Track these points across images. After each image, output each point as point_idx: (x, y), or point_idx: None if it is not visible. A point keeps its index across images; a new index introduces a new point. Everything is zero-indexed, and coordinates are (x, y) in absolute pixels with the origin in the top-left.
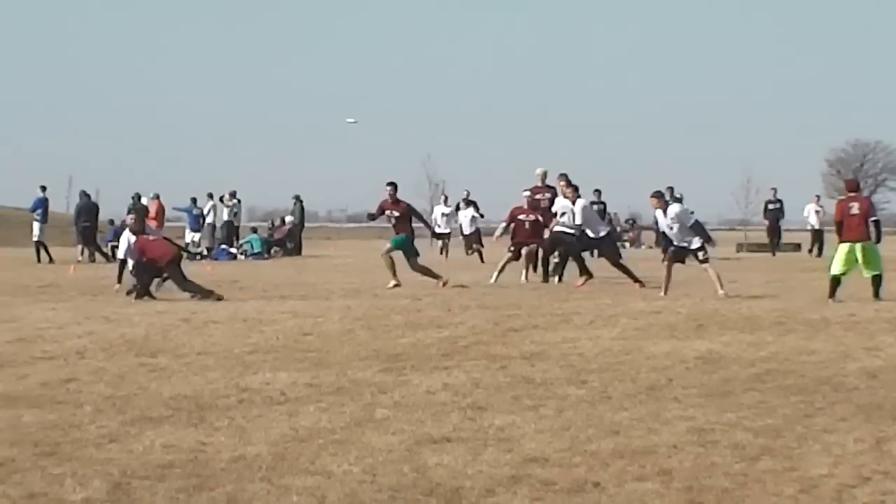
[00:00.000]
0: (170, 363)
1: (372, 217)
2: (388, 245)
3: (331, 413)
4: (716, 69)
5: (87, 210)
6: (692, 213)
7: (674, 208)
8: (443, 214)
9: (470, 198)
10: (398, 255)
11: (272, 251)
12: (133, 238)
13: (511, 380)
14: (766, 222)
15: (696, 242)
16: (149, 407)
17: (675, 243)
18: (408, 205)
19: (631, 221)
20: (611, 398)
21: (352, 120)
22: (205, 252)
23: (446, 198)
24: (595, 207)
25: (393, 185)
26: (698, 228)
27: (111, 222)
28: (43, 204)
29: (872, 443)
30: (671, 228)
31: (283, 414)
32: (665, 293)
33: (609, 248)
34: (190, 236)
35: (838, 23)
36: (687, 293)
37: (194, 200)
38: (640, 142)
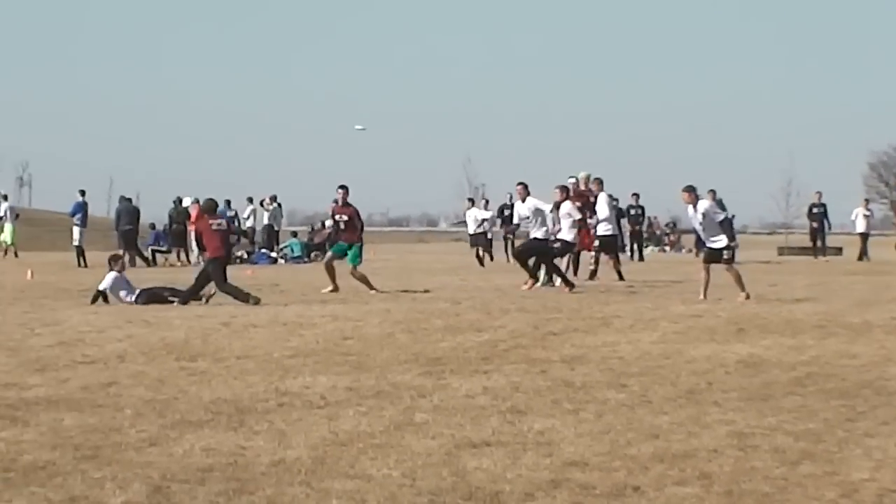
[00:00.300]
0: (210, 367)
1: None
2: (330, 254)
3: (370, 417)
4: (758, 71)
5: (128, 214)
6: (726, 212)
7: (703, 204)
8: (476, 218)
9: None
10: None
11: (312, 255)
12: None
13: (551, 383)
14: (811, 225)
15: (721, 241)
16: (189, 410)
17: (707, 244)
18: (355, 210)
19: (671, 225)
20: (651, 402)
21: (360, 127)
22: (245, 256)
23: (487, 201)
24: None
25: (344, 188)
26: (727, 227)
27: (152, 226)
28: (82, 208)
29: None
30: (700, 225)
31: (322, 418)
32: (704, 297)
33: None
34: None
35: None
36: (727, 297)
37: (228, 203)
38: (679, 144)
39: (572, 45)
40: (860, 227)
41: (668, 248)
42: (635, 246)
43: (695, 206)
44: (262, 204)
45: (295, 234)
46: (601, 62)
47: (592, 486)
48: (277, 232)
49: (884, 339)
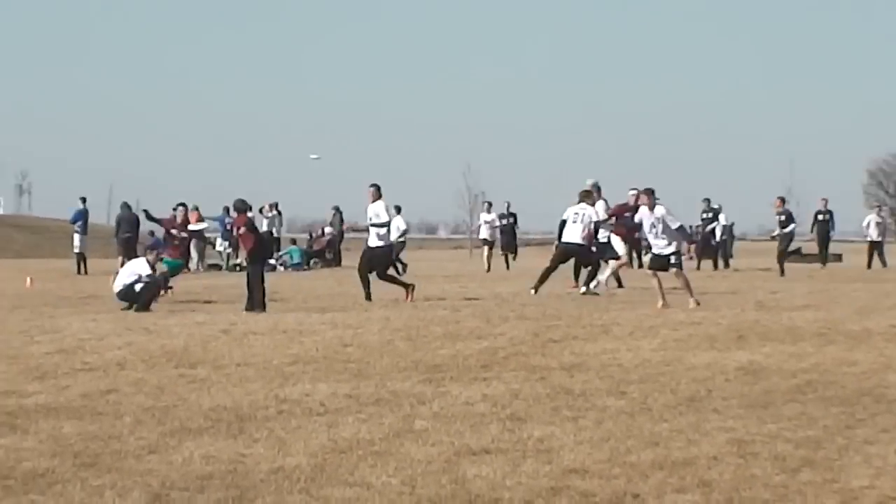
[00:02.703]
0: (209, 374)
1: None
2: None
3: (370, 424)
4: (757, 78)
5: (128, 221)
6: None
7: (660, 209)
8: (485, 222)
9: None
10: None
11: (312, 262)
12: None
13: (550, 391)
14: (817, 232)
15: (671, 247)
16: (188, 418)
17: (654, 251)
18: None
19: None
20: (651, 409)
21: (315, 156)
22: (244, 263)
23: (489, 204)
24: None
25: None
26: (682, 233)
27: (151, 234)
28: (83, 216)
29: None
30: (653, 230)
31: (322, 425)
32: (664, 303)
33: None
34: (221, 245)
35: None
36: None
37: (227, 210)
38: (679, 151)
39: (574, 50)
40: (873, 234)
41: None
42: (634, 253)
43: (651, 210)
44: (261, 211)
45: (294, 242)
46: (601, 68)
47: (592, 493)
48: (277, 239)
49: (883, 346)
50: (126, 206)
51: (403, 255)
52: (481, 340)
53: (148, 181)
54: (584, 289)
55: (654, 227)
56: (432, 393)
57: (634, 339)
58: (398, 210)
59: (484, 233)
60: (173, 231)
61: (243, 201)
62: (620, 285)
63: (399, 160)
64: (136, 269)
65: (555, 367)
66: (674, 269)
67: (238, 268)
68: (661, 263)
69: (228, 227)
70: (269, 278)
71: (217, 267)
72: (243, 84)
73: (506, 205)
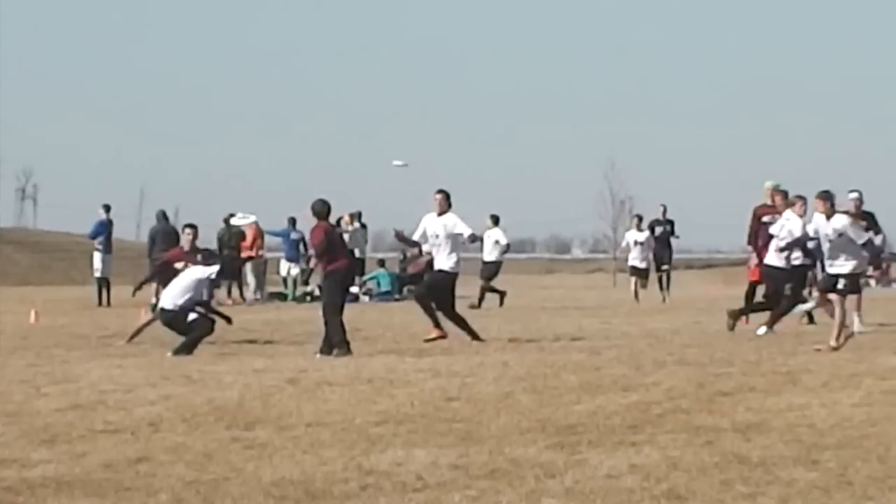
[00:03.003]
0: (271, 438)
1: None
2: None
3: (483, 503)
4: None
5: (166, 236)
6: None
7: (841, 219)
8: (636, 242)
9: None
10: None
11: (405, 290)
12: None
13: (720, 459)
14: None
15: (848, 266)
16: (244, 495)
17: (828, 269)
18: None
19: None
20: (852, 484)
21: (400, 163)
22: (317, 292)
23: (640, 218)
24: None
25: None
26: (871, 248)
27: None
28: (105, 229)
29: None
30: (829, 244)
31: None
32: (840, 340)
33: None
34: (286, 268)
35: None
36: None
37: (293, 221)
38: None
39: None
40: None
41: (873, 280)
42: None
43: (828, 219)
44: (338, 223)
45: (383, 263)
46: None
47: None
48: (361, 261)
49: None
50: (163, 216)
51: (499, 280)
52: (629, 393)
53: (186, 185)
54: (763, 329)
55: (832, 241)
56: (564, 462)
57: (830, 392)
58: (495, 221)
59: (635, 258)
60: (178, 265)
61: (324, 202)
62: (811, 321)
63: (518, 157)
64: (199, 276)
65: (725, 427)
66: (843, 294)
67: (310, 297)
68: (832, 284)
69: (297, 242)
70: (351, 311)
71: (281, 297)
72: (325, 63)
73: (661, 209)
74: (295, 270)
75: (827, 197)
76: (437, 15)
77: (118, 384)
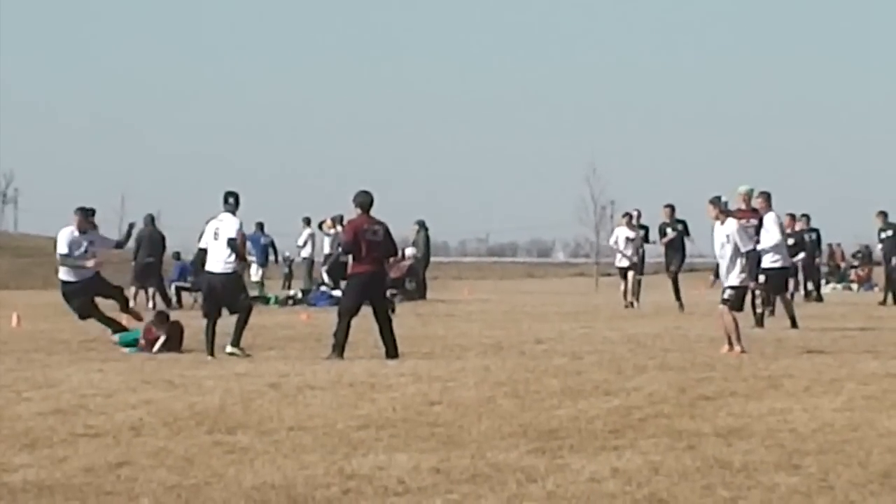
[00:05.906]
0: (253, 442)
1: None
2: None
3: None
4: None
5: (152, 241)
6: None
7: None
8: (628, 239)
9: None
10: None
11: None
12: None
13: (701, 464)
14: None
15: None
16: (226, 500)
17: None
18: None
19: (860, 254)
20: (833, 488)
21: None
22: (299, 295)
23: (631, 216)
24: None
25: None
26: (752, 258)
27: (177, 256)
28: None
29: None
30: (722, 248)
31: None
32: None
33: None
34: (257, 273)
35: None
36: None
37: (261, 226)
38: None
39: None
40: None
41: (854, 284)
42: (810, 283)
43: (722, 223)
44: (321, 227)
45: None
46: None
47: None
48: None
49: None
50: (151, 220)
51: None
52: (611, 398)
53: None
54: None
55: (723, 246)
56: (546, 467)
57: (811, 396)
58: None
59: (622, 257)
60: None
61: (366, 193)
62: (794, 325)
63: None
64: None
65: (707, 432)
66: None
67: (292, 301)
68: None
69: (266, 247)
70: (333, 314)
71: (264, 300)
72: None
73: (668, 211)
74: (259, 274)
75: (717, 202)
76: (418, 22)
77: (99, 389)
